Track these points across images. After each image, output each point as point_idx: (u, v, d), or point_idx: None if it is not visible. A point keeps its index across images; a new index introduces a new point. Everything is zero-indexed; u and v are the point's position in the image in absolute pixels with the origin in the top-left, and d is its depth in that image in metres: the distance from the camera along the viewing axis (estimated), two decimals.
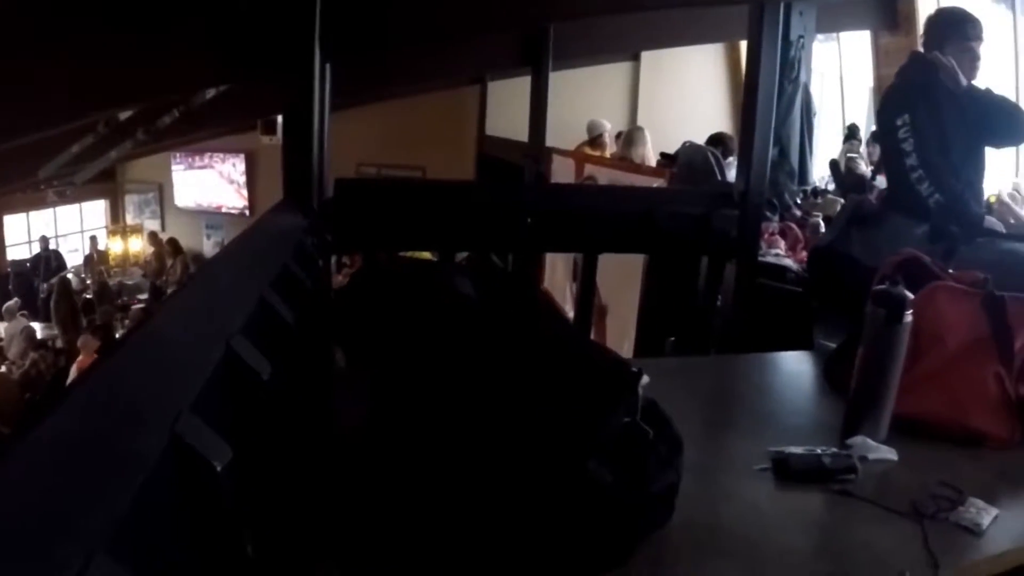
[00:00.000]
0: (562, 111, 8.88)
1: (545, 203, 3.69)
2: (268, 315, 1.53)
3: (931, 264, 2.13)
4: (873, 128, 7.65)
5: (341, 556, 1.31)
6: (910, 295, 1.82)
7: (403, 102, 11.76)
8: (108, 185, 16.25)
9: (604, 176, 6.15)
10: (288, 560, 1.30)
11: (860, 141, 8.61)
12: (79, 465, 0.76)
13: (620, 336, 5.13)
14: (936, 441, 1.87)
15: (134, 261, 16.44)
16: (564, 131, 8.71)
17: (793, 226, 5.23)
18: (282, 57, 2.92)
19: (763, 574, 1.37)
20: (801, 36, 6.06)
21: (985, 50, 3.43)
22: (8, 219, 15.27)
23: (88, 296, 13.64)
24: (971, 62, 3.37)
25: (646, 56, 11.41)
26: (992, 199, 5.62)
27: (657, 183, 5.32)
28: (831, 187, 7.45)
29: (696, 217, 3.51)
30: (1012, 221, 5.61)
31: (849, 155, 8.04)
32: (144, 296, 14.09)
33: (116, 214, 17.11)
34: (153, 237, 16.40)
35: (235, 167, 15.75)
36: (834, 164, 7.87)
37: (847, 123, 9.69)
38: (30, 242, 15.67)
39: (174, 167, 16.11)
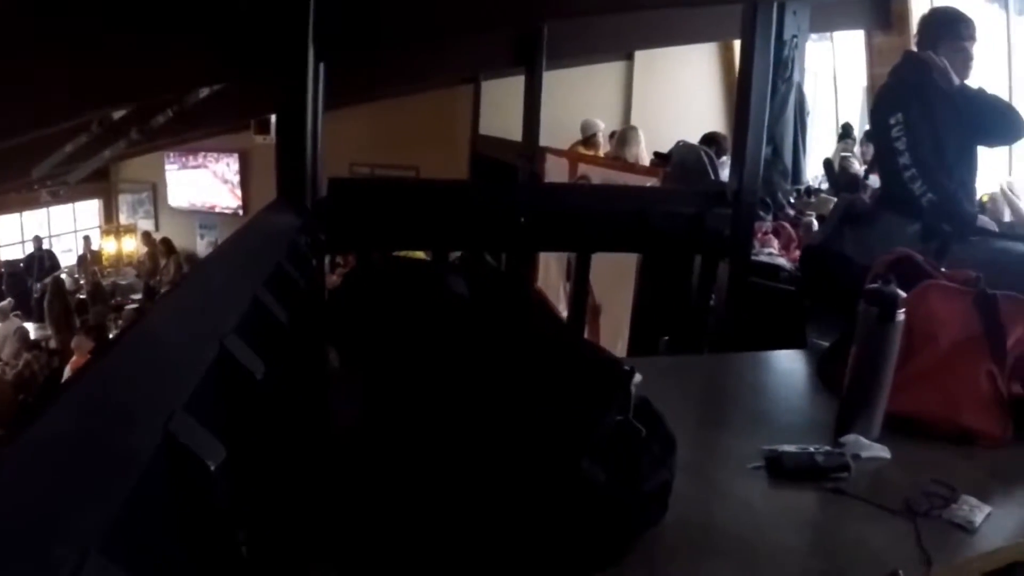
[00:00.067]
0: (556, 110, 8.88)
1: (538, 202, 3.68)
2: (262, 315, 1.53)
3: (924, 263, 2.14)
4: (867, 127, 7.67)
5: (336, 556, 1.31)
6: (902, 294, 1.82)
7: (396, 102, 11.76)
8: (102, 185, 16.22)
9: (598, 175, 6.15)
10: (283, 560, 1.30)
11: (854, 140, 8.62)
12: (73, 464, 0.76)
13: (614, 335, 5.13)
14: (929, 439, 1.87)
15: (128, 261, 16.40)
16: (558, 130, 8.71)
17: (786, 225, 5.24)
18: (275, 56, 2.92)
19: (757, 572, 1.37)
20: (795, 35, 6.07)
21: (978, 50, 3.44)
22: (1, 219, 15.21)
23: (82, 296, 13.62)
24: (964, 62, 3.38)
25: (640, 55, 11.40)
26: (985, 198, 5.63)
27: (650, 182, 5.34)
28: (824, 186, 7.47)
29: (689, 216, 3.51)
30: (1007, 220, 5.63)
31: (843, 154, 8.06)
32: (138, 296, 14.06)
33: (110, 214, 17.07)
34: (147, 237, 16.37)
35: (229, 167, 15.73)
36: (828, 163, 7.88)
37: (841, 122, 9.70)
38: (23, 242, 15.63)
39: (168, 167, 16.08)
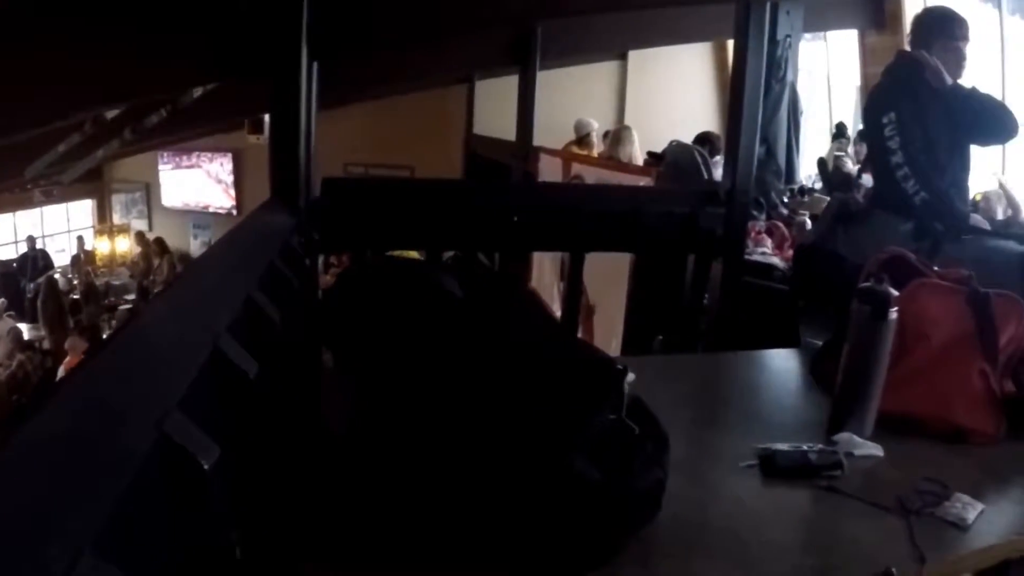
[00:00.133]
0: (550, 110, 8.90)
1: (532, 202, 3.69)
2: (255, 315, 1.53)
3: (916, 261, 2.14)
4: (860, 127, 7.68)
5: (330, 556, 1.31)
6: (895, 292, 1.83)
7: (390, 101, 11.77)
8: (95, 185, 16.20)
9: (591, 175, 6.15)
10: (276, 560, 1.30)
11: (848, 140, 8.65)
12: (67, 464, 0.76)
13: (608, 335, 5.13)
14: (922, 437, 1.88)
15: (121, 261, 16.37)
16: (552, 130, 8.72)
17: (780, 224, 5.26)
18: (269, 56, 2.92)
19: (750, 570, 1.37)
20: (788, 35, 6.09)
21: (971, 49, 3.45)
22: None
23: (75, 297, 13.59)
24: (957, 61, 3.39)
25: (633, 55, 11.43)
26: (978, 197, 5.65)
27: (644, 182, 5.34)
28: (818, 185, 7.48)
29: (683, 216, 3.51)
30: (1000, 217, 5.65)
31: (837, 153, 8.08)
32: (131, 296, 14.04)
33: (103, 214, 17.05)
34: (140, 237, 16.34)
35: (222, 167, 15.71)
36: (822, 162, 7.91)
37: (835, 122, 9.73)
38: (16, 242, 15.60)
39: (161, 166, 16.06)
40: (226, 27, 2.95)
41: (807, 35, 7.80)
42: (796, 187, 6.62)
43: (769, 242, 5.00)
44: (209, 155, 15.69)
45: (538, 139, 8.46)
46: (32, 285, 13.78)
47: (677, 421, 1.53)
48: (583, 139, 8.25)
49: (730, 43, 5.82)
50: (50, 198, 14.90)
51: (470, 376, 1.34)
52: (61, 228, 16.93)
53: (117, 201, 17.02)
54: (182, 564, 0.96)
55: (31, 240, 15.23)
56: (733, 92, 3.62)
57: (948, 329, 1.96)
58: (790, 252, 4.64)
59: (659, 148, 6.48)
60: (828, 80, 10.99)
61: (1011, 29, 8.13)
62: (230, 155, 15.34)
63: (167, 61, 3.21)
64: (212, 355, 1.19)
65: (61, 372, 8.94)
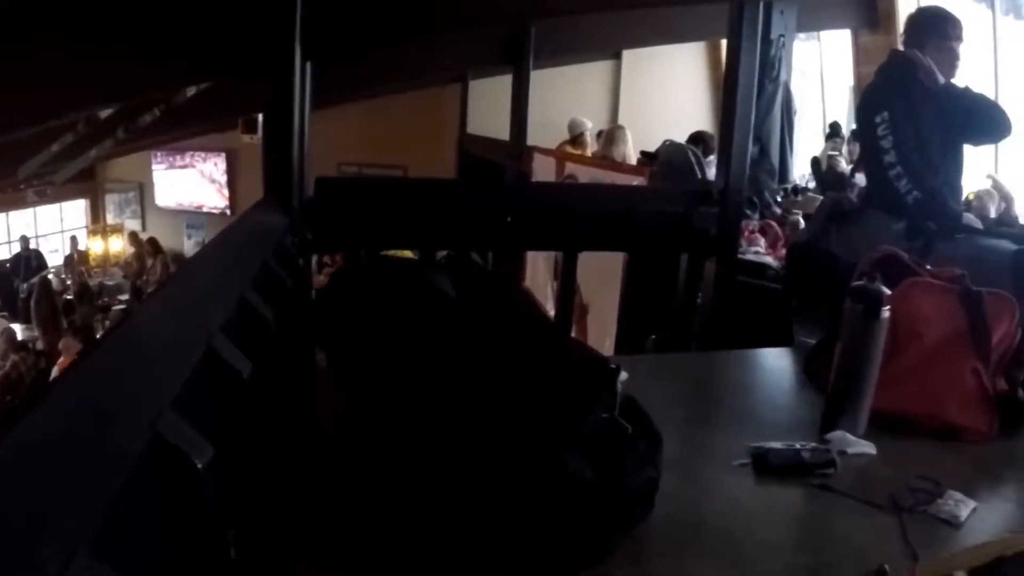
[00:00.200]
0: (543, 110, 8.91)
1: (526, 202, 3.69)
2: (248, 314, 1.53)
3: (909, 260, 2.15)
4: (854, 126, 7.70)
5: (324, 556, 1.31)
6: (887, 291, 1.83)
7: (384, 101, 11.76)
8: (88, 184, 16.14)
9: (585, 175, 6.16)
10: (270, 560, 1.30)
11: (843, 139, 8.65)
12: (60, 464, 0.76)
13: (601, 334, 5.13)
14: (914, 435, 1.88)
15: (115, 261, 16.33)
16: (545, 130, 8.73)
17: (773, 224, 5.27)
18: (262, 55, 2.92)
19: (743, 568, 1.37)
20: (782, 35, 6.10)
21: (965, 49, 3.46)
22: None
23: (69, 297, 13.56)
24: (951, 61, 3.40)
25: (627, 55, 11.43)
26: (971, 196, 5.67)
27: (637, 181, 5.34)
28: (811, 185, 7.50)
29: (676, 215, 3.52)
30: (993, 216, 5.66)
31: (830, 153, 8.09)
32: (125, 297, 14.00)
33: (96, 214, 16.99)
34: (134, 237, 16.30)
35: (216, 166, 15.67)
36: (815, 162, 7.92)
37: (828, 121, 9.74)
38: (10, 242, 15.56)
39: (155, 166, 16.02)
40: (220, 27, 2.95)
41: (801, 35, 7.80)
42: (789, 186, 6.64)
43: (762, 241, 5.01)
44: (203, 155, 15.66)
45: (532, 139, 8.47)
46: (25, 285, 13.73)
47: (670, 420, 1.53)
48: (577, 139, 8.25)
49: (724, 43, 5.84)
50: (43, 198, 14.85)
51: (464, 375, 1.34)
52: (54, 228, 16.88)
53: (110, 201, 16.97)
54: (176, 564, 0.96)
55: (24, 240, 15.17)
56: (726, 91, 3.62)
57: (941, 328, 1.97)
58: (783, 251, 4.64)
59: (653, 147, 6.48)
60: (822, 79, 11.00)
61: (1004, 29, 8.14)
62: (224, 155, 15.31)
63: (160, 60, 3.21)
64: (206, 355, 1.19)
65: (55, 373, 8.92)
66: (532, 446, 1.28)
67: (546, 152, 7.54)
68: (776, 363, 2.62)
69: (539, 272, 6.30)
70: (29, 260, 14.79)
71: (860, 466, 1.73)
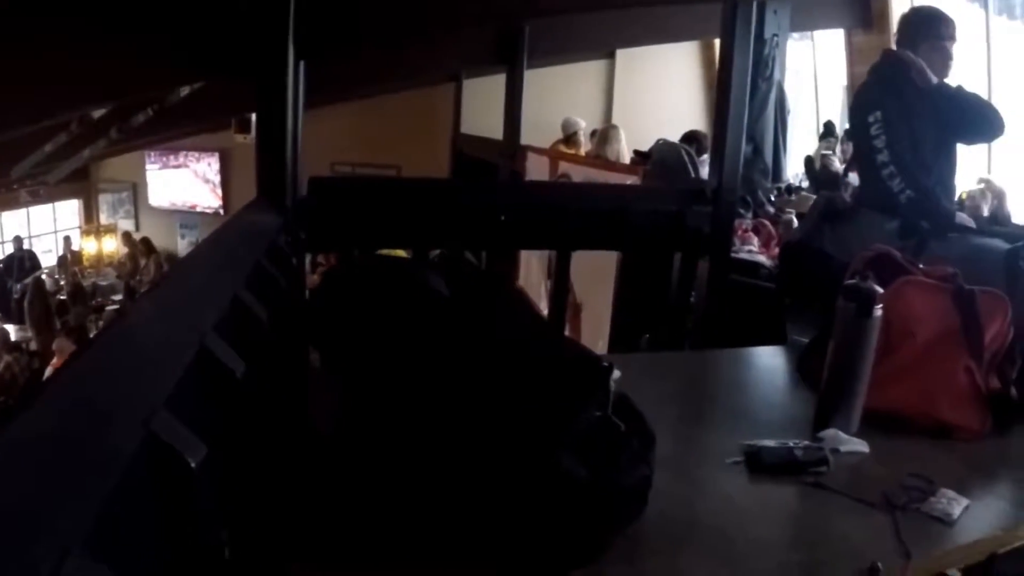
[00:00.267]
0: (537, 109, 8.91)
1: (519, 201, 3.69)
2: (242, 314, 1.53)
3: (902, 259, 2.15)
4: (847, 126, 7.71)
5: (318, 556, 1.32)
6: (880, 289, 1.84)
7: (378, 100, 11.76)
8: (81, 185, 16.13)
9: (578, 174, 6.16)
10: (264, 560, 1.30)
11: (837, 139, 8.68)
12: (54, 463, 0.76)
13: (595, 333, 5.14)
14: (907, 433, 1.89)
15: (108, 261, 16.31)
16: (539, 129, 8.73)
17: (766, 223, 5.28)
18: (255, 55, 2.91)
19: (736, 566, 1.38)
20: (775, 34, 6.10)
21: (958, 49, 3.47)
22: None
23: (62, 297, 13.53)
24: (944, 61, 3.40)
25: (621, 54, 11.45)
26: (964, 195, 5.68)
27: (631, 181, 5.34)
28: (805, 184, 7.51)
29: (670, 214, 3.51)
30: (986, 215, 5.68)
31: (824, 152, 8.11)
32: (118, 297, 13.98)
33: (90, 214, 16.97)
34: (127, 237, 16.28)
35: (210, 166, 15.66)
36: (809, 161, 7.94)
37: (822, 121, 9.76)
38: (3, 243, 15.53)
39: (148, 166, 16.00)
40: (213, 26, 2.94)
41: (794, 34, 7.83)
42: (783, 185, 6.65)
43: (756, 240, 5.02)
44: (196, 155, 15.64)
45: (525, 138, 8.47)
46: (19, 286, 13.71)
47: (663, 418, 1.53)
48: (570, 138, 8.25)
49: (717, 42, 5.84)
50: (36, 198, 14.84)
51: (457, 374, 1.34)
52: (48, 228, 16.85)
53: (104, 201, 16.95)
54: (170, 563, 0.96)
55: (18, 241, 15.14)
56: (720, 91, 3.62)
57: (933, 326, 1.97)
58: (776, 250, 4.65)
59: (646, 147, 6.49)
60: (815, 79, 11.03)
61: (997, 28, 8.17)
62: (217, 154, 15.29)
63: (154, 60, 3.21)
64: (199, 354, 1.18)
65: (48, 373, 8.90)
66: (525, 444, 1.28)
67: (540, 151, 7.53)
68: (769, 361, 2.62)
69: (533, 271, 6.30)
70: (22, 260, 14.76)
71: (853, 464, 1.73)
